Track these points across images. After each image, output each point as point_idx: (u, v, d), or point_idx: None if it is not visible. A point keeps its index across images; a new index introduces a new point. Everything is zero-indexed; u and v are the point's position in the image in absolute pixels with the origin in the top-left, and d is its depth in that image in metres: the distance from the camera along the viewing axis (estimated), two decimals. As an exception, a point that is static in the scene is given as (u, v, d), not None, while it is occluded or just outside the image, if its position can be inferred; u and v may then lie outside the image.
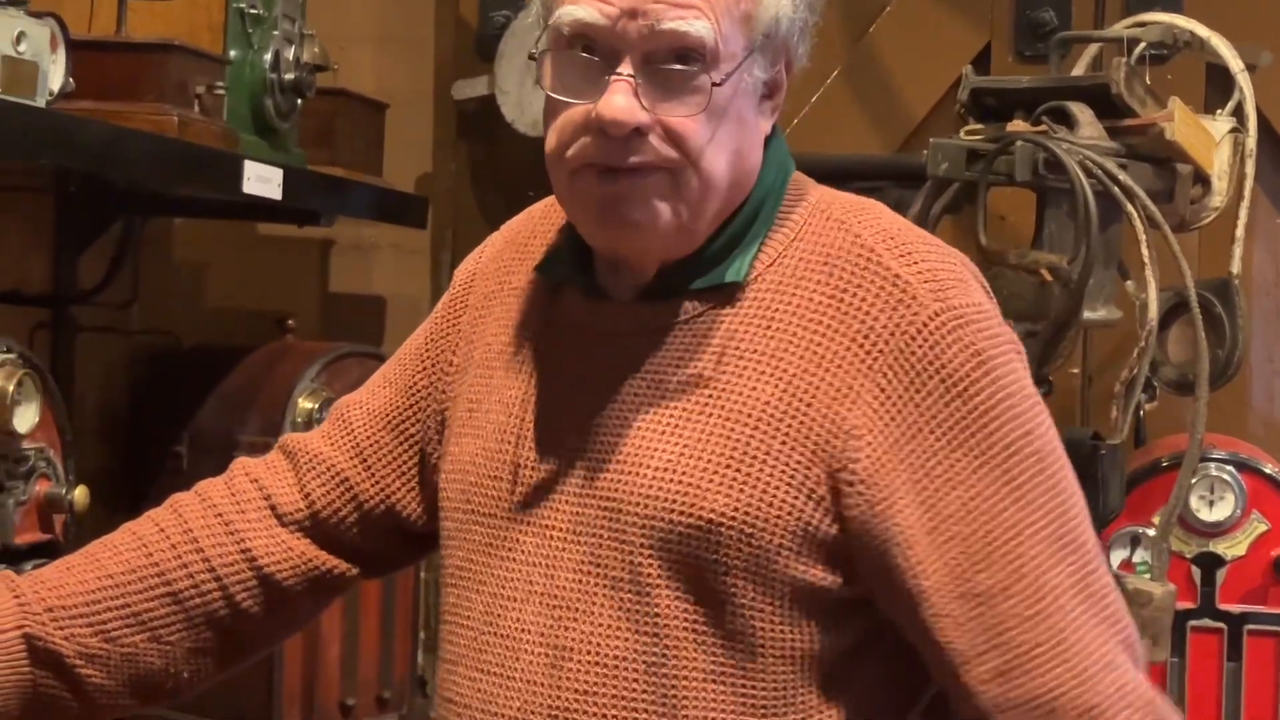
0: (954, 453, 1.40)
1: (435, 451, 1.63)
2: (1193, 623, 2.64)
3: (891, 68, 3.09)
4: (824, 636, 1.44)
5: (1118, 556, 2.63)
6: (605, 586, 1.44)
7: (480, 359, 1.59)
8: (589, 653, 1.44)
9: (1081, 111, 2.39)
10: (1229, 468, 2.66)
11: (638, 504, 1.43)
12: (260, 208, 2.65)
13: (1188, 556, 2.65)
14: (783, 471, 1.41)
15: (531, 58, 1.48)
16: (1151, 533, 2.56)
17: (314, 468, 1.65)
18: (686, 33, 1.40)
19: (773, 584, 1.41)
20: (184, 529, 1.62)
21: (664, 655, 1.42)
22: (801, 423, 1.41)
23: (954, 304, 1.43)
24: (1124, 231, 2.40)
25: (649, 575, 1.42)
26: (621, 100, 1.41)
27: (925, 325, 1.42)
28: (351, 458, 1.65)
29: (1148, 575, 2.48)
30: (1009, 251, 2.40)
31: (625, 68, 1.41)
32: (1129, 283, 2.51)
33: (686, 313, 1.48)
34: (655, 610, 1.42)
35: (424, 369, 1.66)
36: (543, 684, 1.45)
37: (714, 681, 1.42)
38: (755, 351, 1.44)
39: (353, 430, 1.66)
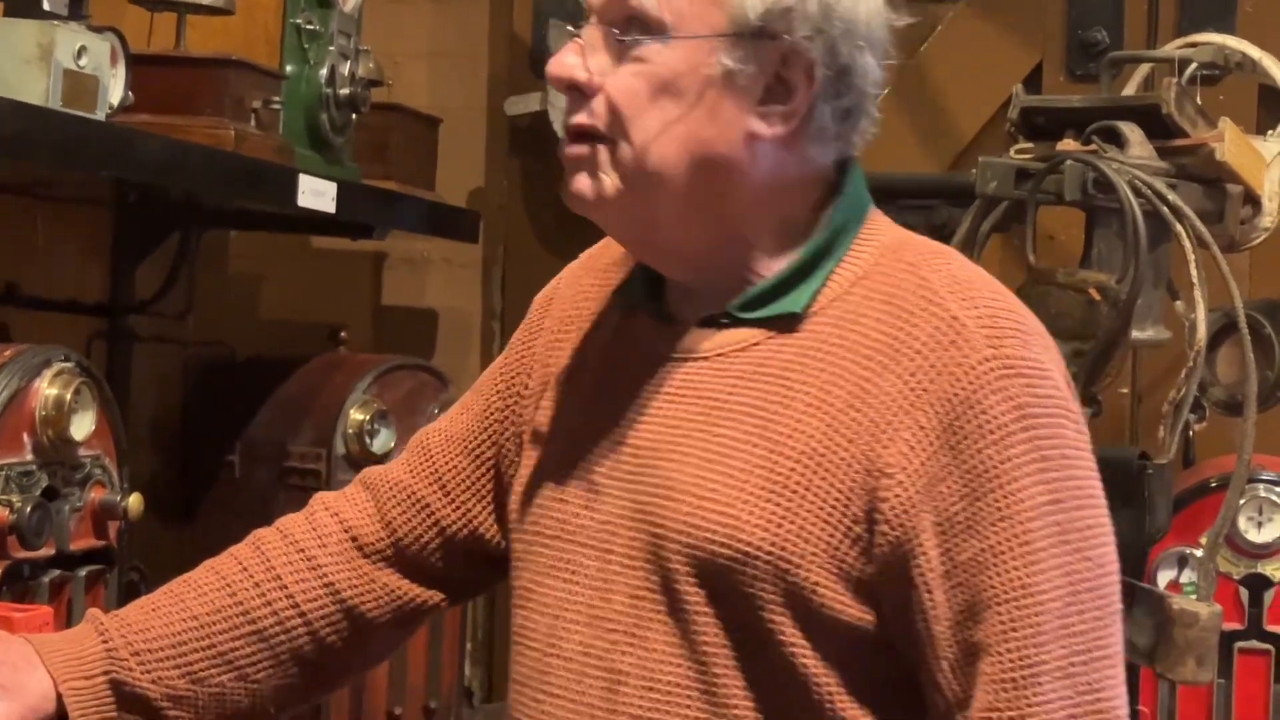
0: (977, 501, 1.36)
1: (511, 475, 1.62)
2: (1240, 644, 2.63)
3: (942, 86, 3.09)
4: (869, 675, 1.41)
5: (1165, 577, 2.63)
6: (657, 613, 1.43)
7: (553, 382, 1.59)
8: (644, 678, 1.42)
9: (1132, 131, 2.39)
10: (1277, 489, 2.65)
11: (680, 532, 1.42)
12: (314, 221, 2.68)
13: (1235, 577, 2.64)
14: (820, 507, 1.38)
15: None
16: (1199, 553, 2.55)
17: (394, 496, 1.66)
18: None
19: (810, 619, 1.39)
20: (267, 566, 1.63)
21: (713, 684, 1.40)
22: (842, 459, 1.39)
23: (1007, 353, 1.38)
24: (1173, 251, 2.40)
25: (694, 604, 1.41)
26: (565, 56, 1.43)
27: (973, 369, 1.38)
28: (431, 484, 1.66)
29: (1194, 596, 2.47)
30: (1057, 270, 2.41)
31: (585, 31, 1.44)
32: (1178, 303, 2.51)
33: (746, 340, 1.46)
34: (702, 639, 1.41)
35: (499, 393, 1.66)
36: (601, 708, 1.44)
37: (763, 713, 1.40)
38: (806, 384, 1.42)
39: (431, 457, 1.67)
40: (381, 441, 2.67)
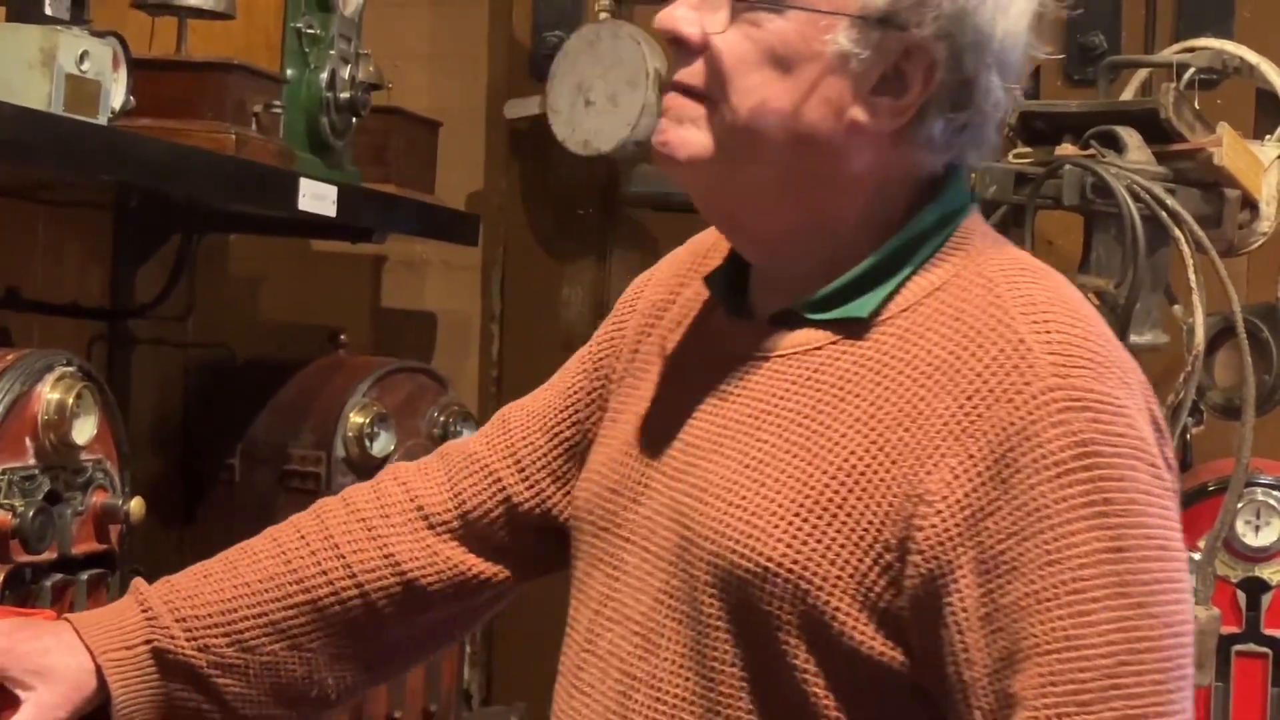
0: (1026, 540, 1.24)
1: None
2: (1237, 647, 2.63)
3: (941, 90, 3.09)
4: (884, 715, 1.32)
5: (1163, 580, 2.63)
6: (674, 620, 1.37)
7: (633, 369, 1.55)
8: (653, 688, 1.37)
9: (1130, 136, 2.40)
10: (1275, 493, 2.65)
11: (706, 538, 1.35)
12: (315, 224, 2.68)
13: (1233, 581, 2.64)
14: (852, 530, 1.30)
15: None
16: (1197, 557, 2.56)
17: (467, 467, 1.64)
18: None
19: (830, 648, 1.30)
20: (325, 534, 1.61)
21: (718, 703, 1.34)
22: (882, 480, 1.29)
23: (1075, 384, 1.27)
24: (1171, 256, 2.41)
25: (709, 615, 1.34)
26: (677, 9, 1.38)
27: (1035, 397, 1.26)
28: (505, 458, 1.63)
29: (1192, 599, 2.48)
30: (1056, 275, 2.41)
31: None
32: (1176, 307, 2.52)
33: (809, 343, 1.39)
34: (714, 654, 1.34)
35: (586, 373, 1.63)
36: (615, 713, 1.40)
37: None
38: (859, 397, 1.33)
39: (509, 431, 1.64)
40: (381, 444, 2.68)
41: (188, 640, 1.55)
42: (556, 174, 3.29)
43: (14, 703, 1.49)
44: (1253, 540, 2.64)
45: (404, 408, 2.77)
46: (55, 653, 1.52)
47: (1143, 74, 2.78)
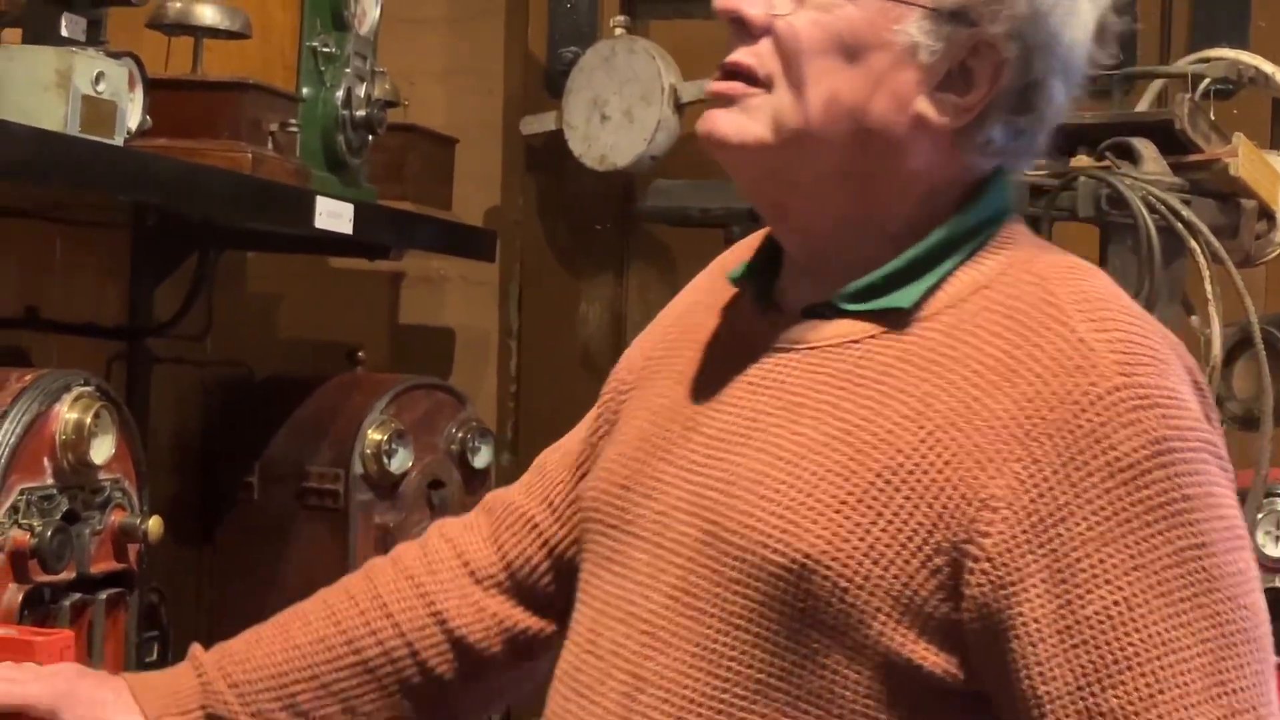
0: (1106, 546, 1.21)
1: None
2: (1259, 659, 2.63)
3: (956, 103, 3.09)
4: None
5: (1183, 591, 2.62)
6: (687, 618, 1.32)
7: (644, 375, 1.52)
8: (662, 689, 1.32)
9: (1145, 147, 2.40)
10: (1295, 503, 2.65)
11: (735, 531, 1.31)
12: (332, 242, 2.69)
13: (1254, 592, 2.63)
14: (899, 529, 1.25)
15: None
16: (1217, 568, 2.55)
17: (508, 518, 1.62)
18: None
19: (863, 651, 1.26)
20: (373, 594, 1.59)
21: (731, 704, 1.29)
22: (934, 480, 1.26)
23: (1142, 382, 1.25)
24: (1187, 267, 2.41)
25: (731, 613, 1.30)
26: None
27: (1101, 398, 1.24)
28: (541, 502, 1.61)
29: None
30: (1072, 287, 2.41)
31: None
32: (1193, 318, 2.51)
33: (846, 335, 1.35)
34: (730, 653, 1.30)
35: (604, 401, 1.60)
36: (616, 714, 1.35)
37: None
38: (905, 392, 1.29)
39: (545, 474, 1.63)
40: (399, 461, 2.68)
41: (241, 705, 1.54)
42: (573, 190, 3.29)
43: None
44: (1273, 551, 2.63)
45: (422, 424, 2.77)
46: (112, 708, 1.52)
47: (1158, 85, 2.78)
